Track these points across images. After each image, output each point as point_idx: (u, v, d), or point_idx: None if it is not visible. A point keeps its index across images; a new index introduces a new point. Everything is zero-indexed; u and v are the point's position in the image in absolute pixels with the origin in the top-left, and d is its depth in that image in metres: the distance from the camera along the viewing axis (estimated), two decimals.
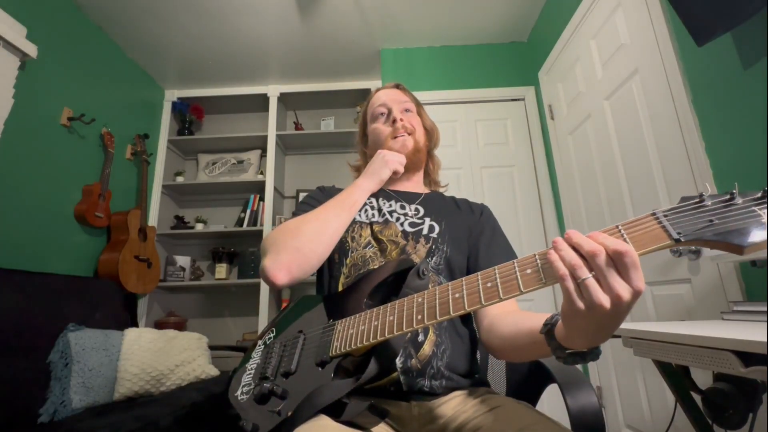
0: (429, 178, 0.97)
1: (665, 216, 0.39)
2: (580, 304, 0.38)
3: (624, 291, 0.36)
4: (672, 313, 1.31)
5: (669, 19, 1.27)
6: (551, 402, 0.90)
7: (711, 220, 0.37)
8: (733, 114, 1.08)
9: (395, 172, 0.83)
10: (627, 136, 1.54)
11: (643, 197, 1.45)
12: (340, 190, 0.90)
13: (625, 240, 0.38)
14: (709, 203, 0.38)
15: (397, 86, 0.97)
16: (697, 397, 0.83)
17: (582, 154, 1.90)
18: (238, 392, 0.61)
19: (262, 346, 0.68)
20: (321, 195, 0.86)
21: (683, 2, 1.05)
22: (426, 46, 2.56)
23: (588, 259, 0.37)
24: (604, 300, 0.36)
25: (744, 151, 1.04)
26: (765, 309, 0.79)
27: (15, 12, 1.70)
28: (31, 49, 1.73)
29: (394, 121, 0.88)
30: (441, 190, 0.99)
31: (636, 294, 0.36)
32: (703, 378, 0.86)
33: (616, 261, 0.36)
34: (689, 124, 1.20)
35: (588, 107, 1.81)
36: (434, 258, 0.75)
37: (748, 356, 0.55)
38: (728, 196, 0.38)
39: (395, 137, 0.87)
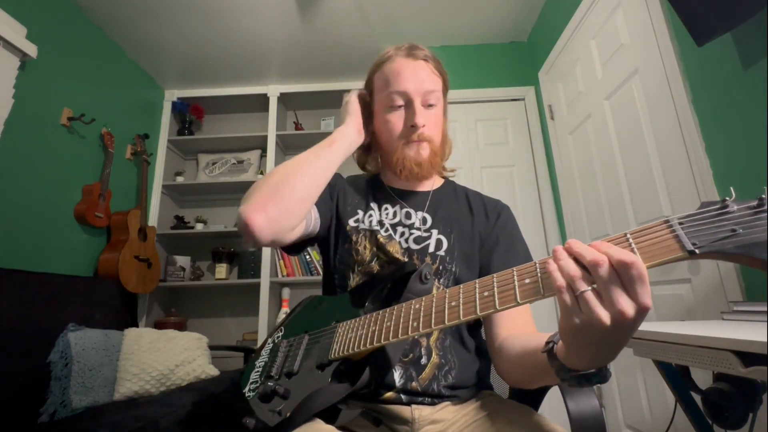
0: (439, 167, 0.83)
1: (680, 224, 0.34)
2: (577, 320, 0.35)
3: (627, 306, 0.33)
4: (672, 313, 1.31)
5: (669, 19, 1.27)
6: (552, 405, 0.90)
7: (734, 230, 0.32)
8: (733, 114, 1.08)
9: None
10: (627, 136, 1.54)
11: (643, 197, 1.45)
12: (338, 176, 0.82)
13: (632, 250, 0.35)
14: (735, 210, 0.33)
15: (426, 59, 0.76)
16: (697, 397, 0.83)
17: (582, 154, 1.90)
18: (246, 389, 0.62)
19: (271, 345, 0.70)
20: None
21: (683, 2, 1.05)
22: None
23: (590, 269, 0.34)
24: (604, 315, 0.33)
25: (744, 151, 1.04)
26: (765, 309, 0.79)
27: (15, 12, 1.70)
28: (31, 49, 1.73)
29: (414, 125, 0.71)
30: (450, 175, 0.87)
31: (641, 311, 0.33)
32: (703, 378, 0.86)
33: (621, 273, 0.33)
34: (689, 124, 1.20)
35: (588, 107, 1.81)
36: (441, 279, 0.69)
37: (748, 356, 0.55)
38: (756, 202, 0.33)
39: (409, 141, 0.73)
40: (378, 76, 0.77)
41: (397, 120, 0.74)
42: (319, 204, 0.73)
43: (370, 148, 0.84)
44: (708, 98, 1.16)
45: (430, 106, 0.74)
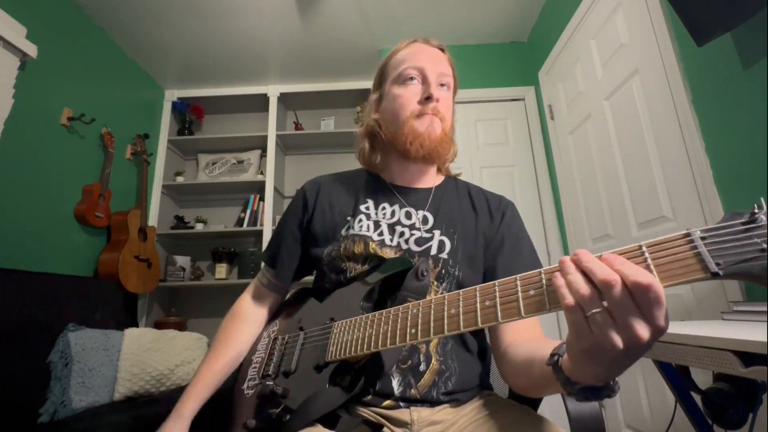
0: (444, 165, 0.81)
1: (702, 239, 0.31)
2: (588, 341, 0.33)
3: (643, 330, 0.30)
4: (672, 313, 1.31)
5: (669, 19, 1.27)
6: (552, 405, 0.90)
7: (763, 249, 0.28)
8: (733, 114, 1.08)
9: None
10: (627, 136, 1.54)
11: (643, 197, 1.45)
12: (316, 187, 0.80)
13: (648, 267, 0.32)
14: (764, 222, 0.29)
15: (442, 48, 0.76)
16: (697, 397, 0.83)
17: (582, 154, 1.90)
18: (245, 386, 0.62)
19: (266, 339, 0.69)
20: (299, 204, 0.78)
21: (683, 2, 1.05)
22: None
23: (601, 289, 0.31)
24: (617, 339, 0.31)
25: (744, 151, 1.04)
26: (765, 309, 0.79)
27: (15, 12, 1.70)
28: (31, 49, 1.73)
29: (429, 98, 0.68)
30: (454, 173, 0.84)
31: (657, 333, 0.30)
32: (703, 378, 0.86)
33: (636, 295, 0.30)
34: (689, 124, 1.20)
35: (588, 107, 1.81)
36: (444, 284, 0.66)
37: (748, 356, 0.55)
38: None
39: (421, 115, 0.69)
40: (393, 61, 0.75)
41: (409, 94, 0.70)
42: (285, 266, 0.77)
43: (375, 146, 0.79)
44: (708, 98, 1.16)
45: (443, 85, 0.72)
